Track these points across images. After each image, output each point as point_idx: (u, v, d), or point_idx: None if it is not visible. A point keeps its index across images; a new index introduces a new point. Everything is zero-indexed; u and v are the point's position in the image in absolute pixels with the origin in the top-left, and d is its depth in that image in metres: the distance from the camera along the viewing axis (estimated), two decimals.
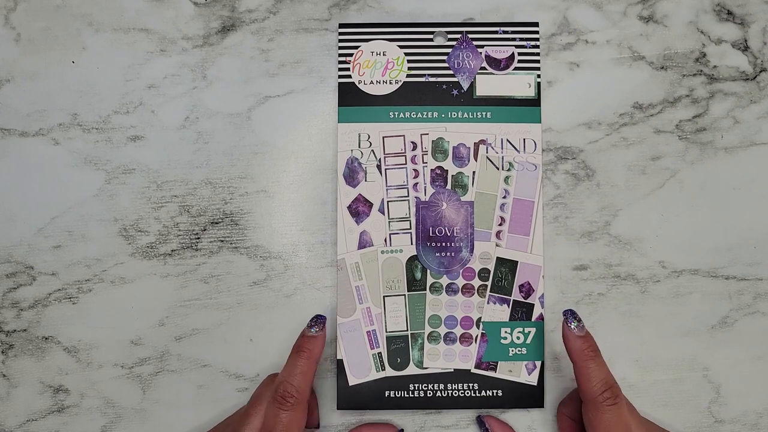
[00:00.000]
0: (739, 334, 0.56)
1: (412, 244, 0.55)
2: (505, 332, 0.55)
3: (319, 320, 0.52)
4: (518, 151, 0.56)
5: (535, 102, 0.56)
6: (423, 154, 0.56)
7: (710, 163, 0.57)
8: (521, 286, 0.55)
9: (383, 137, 0.56)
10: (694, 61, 0.57)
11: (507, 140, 0.56)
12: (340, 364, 0.55)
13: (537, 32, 0.56)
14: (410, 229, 0.55)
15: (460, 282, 0.55)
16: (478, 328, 0.55)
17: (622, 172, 0.57)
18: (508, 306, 0.55)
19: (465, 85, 0.56)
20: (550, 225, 0.56)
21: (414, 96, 0.56)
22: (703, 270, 0.57)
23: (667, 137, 0.57)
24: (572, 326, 0.50)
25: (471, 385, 0.55)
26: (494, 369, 0.55)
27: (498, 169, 0.56)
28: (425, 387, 0.55)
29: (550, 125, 0.57)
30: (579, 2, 0.58)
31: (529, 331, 0.55)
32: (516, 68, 0.56)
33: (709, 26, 0.58)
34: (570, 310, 0.50)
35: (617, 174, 0.57)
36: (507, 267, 0.55)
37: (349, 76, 0.56)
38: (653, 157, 0.57)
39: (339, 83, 0.56)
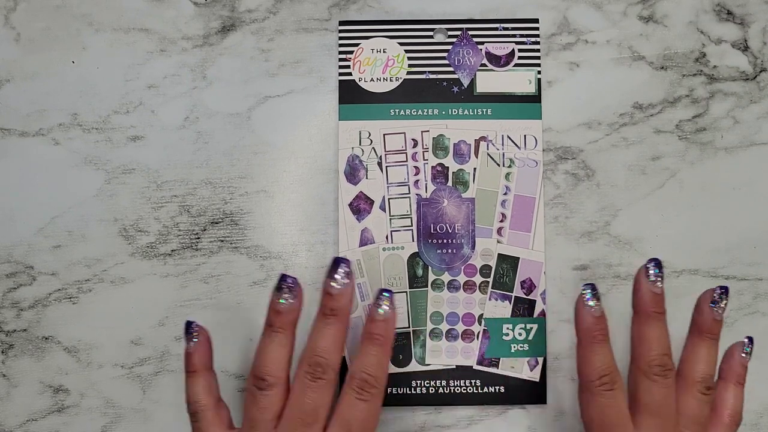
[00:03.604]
0: (739, 334, 0.56)
1: (413, 241, 0.55)
2: (507, 328, 0.55)
3: (384, 296, 0.48)
4: (519, 148, 0.56)
5: (535, 98, 0.56)
6: (424, 152, 0.56)
7: (710, 163, 0.57)
8: (523, 283, 0.55)
9: (384, 135, 0.56)
10: (694, 61, 0.58)
11: (508, 137, 0.56)
12: (342, 360, 0.54)
13: (537, 29, 0.57)
14: (411, 226, 0.55)
15: (462, 279, 0.55)
16: (480, 324, 0.55)
17: (622, 172, 0.57)
18: (510, 302, 0.55)
19: (465, 82, 0.56)
20: (550, 225, 0.56)
21: (414, 93, 0.56)
22: (703, 270, 0.57)
23: (667, 137, 0.57)
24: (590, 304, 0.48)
25: (473, 381, 0.54)
26: (496, 365, 0.55)
27: (499, 165, 0.56)
28: (427, 383, 0.54)
29: (550, 125, 0.57)
30: (579, 2, 0.58)
31: (531, 327, 0.55)
32: (516, 65, 0.56)
33: (709, 26, 0.58)
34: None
35: (617, 174, 0.57)
36: (508, 263, 0.55)
37: (350, 74, 0.56)
38: (653, 157, 0.57)
39: (339, 81, 0.56)
